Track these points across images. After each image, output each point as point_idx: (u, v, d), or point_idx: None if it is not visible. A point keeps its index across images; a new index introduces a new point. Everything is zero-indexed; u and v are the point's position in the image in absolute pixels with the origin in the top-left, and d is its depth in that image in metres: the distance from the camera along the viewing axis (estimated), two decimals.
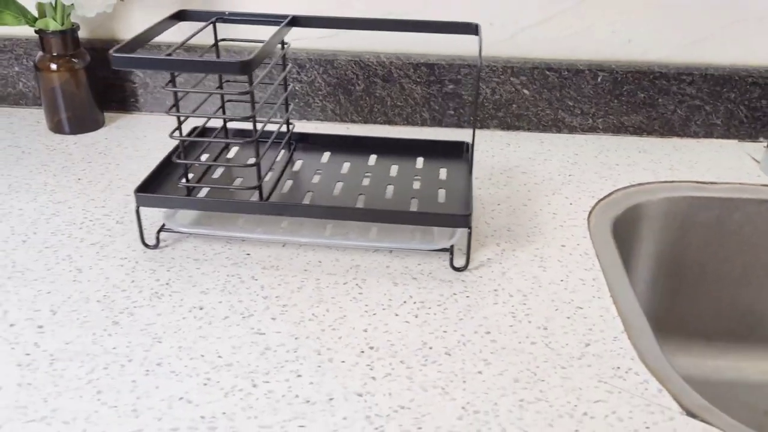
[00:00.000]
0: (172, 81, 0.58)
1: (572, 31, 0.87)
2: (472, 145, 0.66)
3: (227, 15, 0.68)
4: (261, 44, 0.58)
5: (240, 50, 0.90)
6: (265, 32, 0.65)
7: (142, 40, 0.60)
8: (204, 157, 0.70)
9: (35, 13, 0.82)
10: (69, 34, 0.82)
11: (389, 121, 0.92)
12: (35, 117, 0.91)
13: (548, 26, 0.87)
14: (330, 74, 0.89)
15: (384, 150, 0.73)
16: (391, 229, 0.65)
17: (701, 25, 0.86)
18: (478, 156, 0.83)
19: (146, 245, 0.63)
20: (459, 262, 0.61)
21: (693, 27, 0.86)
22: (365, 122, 0.92)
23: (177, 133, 0.61)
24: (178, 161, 0.61)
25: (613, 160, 0.84)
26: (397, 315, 0.55)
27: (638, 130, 0.91)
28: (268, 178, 0.68)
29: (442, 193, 0.65)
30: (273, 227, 0.65)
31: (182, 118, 0.62)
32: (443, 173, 0.69)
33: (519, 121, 0.91)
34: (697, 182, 0.79)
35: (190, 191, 0.63)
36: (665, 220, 0.77)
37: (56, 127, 0.87)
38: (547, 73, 0.88)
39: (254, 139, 0.59)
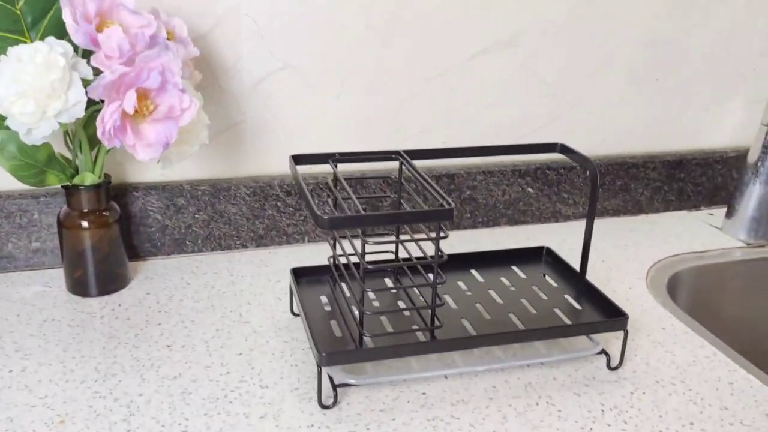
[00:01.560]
0: (364, 233, 0.58)
1: (563, 134, 0.99)
2: (587, 250, 0.72)
3: (338, 156, 0.68)
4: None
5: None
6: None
7: (305, 193, 0.58)
8: (324, 298, 0.68)
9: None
10: (104, 188, 0.75)
11: (414, 230, 0.95)
12: (38, 280, 0.80)
13: (545, 131, 0.98)
14: (359, 193, 0.91)
15: (472, 264, 0.77)
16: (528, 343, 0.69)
17: (657, 120, 1.03)
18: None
19: (324, 406, 0.60)
20: (607, 361, 0.67)
21: (651, 121, 1.03)
22: (390, 233, 0.94)
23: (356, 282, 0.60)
24: (366, 312, 0.59)
25: (620, 242, 0.96)
26: (609, 426, 0.59)
27: (616, 212, 1.05)
28: (408, 311, 0.68)
29: (570, 299, 0.71)
30: (429, 361, 0.66)
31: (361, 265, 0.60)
32: (550, 280, 0.75)
33: (524, 216, 1.00)
34: (696, 252, 0.94)
35: (362, 340, 0.61)
36: (686, 287, 0.90)
37: (79, 288, 0.77)
38: (548, 171, 0.99)
39: (436, 283, 0.60)
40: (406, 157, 0.68)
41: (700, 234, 0.99)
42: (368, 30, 0.86)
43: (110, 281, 0.78)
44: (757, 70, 1.05)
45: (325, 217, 0.53)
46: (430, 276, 0.74)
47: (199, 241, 0.87)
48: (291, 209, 0.89)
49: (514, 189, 0.98)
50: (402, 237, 0.74)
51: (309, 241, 0.92)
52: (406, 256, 0.71)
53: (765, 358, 0.93)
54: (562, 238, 0.96)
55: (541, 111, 0.97)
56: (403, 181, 0.70)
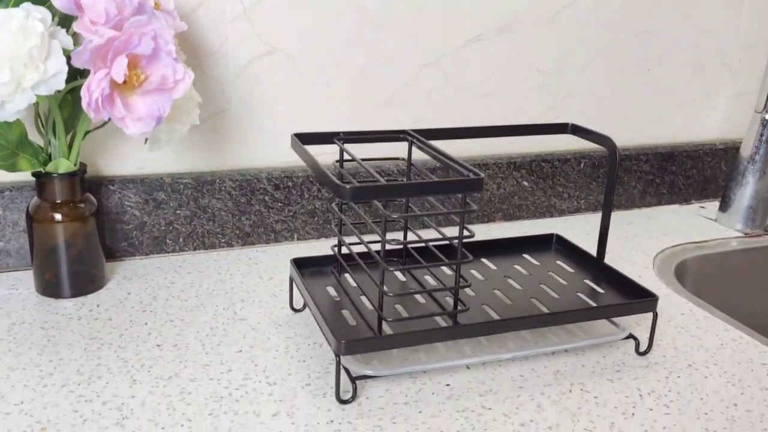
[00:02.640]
0: (385, 207, 0.52)
1: None
2: (605, 231, 0.69)
3: (342, 135, 0.63)
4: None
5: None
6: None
7: (319, 166, 0.53)
8: (332, 289, 0.63)
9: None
10: (79, 176, 0.68)
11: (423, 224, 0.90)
12: (2, 282, 0.72)
13: (539, 122, 0.95)
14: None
15: (482, 252, 0.72)
16: (547, 330, 0.65)
17: (648, 112, 1.02)
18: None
19: (342, 401, 0.54)
20: (636, 345, 0.63)
21: (643, 114, 1.02)
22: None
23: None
24: (388, 294, 0.54)
25: (621, 234, 0.93)
26: (651, 410, 0.55)
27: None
28: (423, 298, 0.63)
29: (590, 283, 0.67)
30: (447, 351, 0.61)
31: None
32: (564, 265, 0.71)
33: (520, 211, 0.96)
34: (697, 242, 0.92)
35: (381, 326, 0.56)
36: (692, 275, 0.88)
37: (50, 289, 0.69)
38: (542, 164, 0.95)
39: (460, 261, 0.55)
40: (418, 136, 0.63)
41: (696, 225, 0.98)
42: (360, 14, 0.82)
43: (85, 282, 0.70)
44: (742, 62, 1.05)
45: (348, 186, 0.48)
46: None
47: (181, 240, 0.80)
48: (280, 204, 0.83)
49: (509, 182, 0.94)
50: (423, 220, 0.69)
51: (298, 239, 0.86)
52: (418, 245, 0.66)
53: None
54: (560, 231, 0.93)
55: (534, 102, 0.94)
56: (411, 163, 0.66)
